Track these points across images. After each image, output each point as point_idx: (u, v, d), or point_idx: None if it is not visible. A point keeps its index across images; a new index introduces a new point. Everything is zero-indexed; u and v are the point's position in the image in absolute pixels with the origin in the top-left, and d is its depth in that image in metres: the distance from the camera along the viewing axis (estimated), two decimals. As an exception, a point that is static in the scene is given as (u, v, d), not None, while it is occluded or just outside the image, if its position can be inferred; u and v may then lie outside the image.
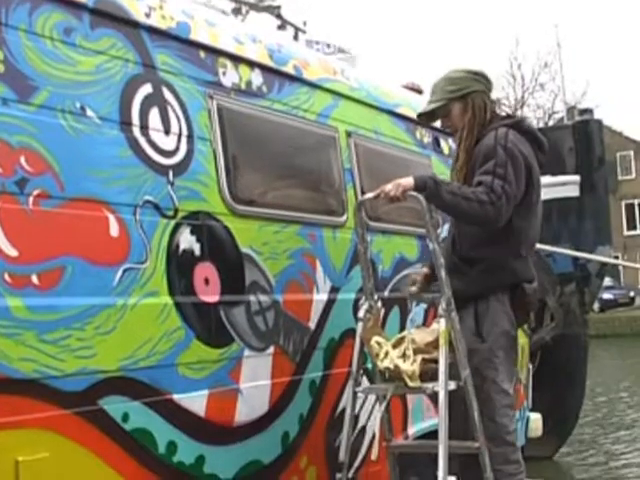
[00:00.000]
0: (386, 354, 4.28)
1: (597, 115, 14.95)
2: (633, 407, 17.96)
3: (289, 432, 4.67)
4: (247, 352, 4.39)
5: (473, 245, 4.71)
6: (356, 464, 5.15)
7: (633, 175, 61.75)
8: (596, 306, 41.96)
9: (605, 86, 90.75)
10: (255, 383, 4.45)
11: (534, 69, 51.15)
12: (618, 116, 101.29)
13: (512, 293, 4.66)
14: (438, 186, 4.42)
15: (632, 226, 60.18)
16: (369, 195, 4.71)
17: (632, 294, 47.85)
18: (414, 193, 4.41)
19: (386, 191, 4.49)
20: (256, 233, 4.55)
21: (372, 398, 5.10)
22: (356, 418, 5.09)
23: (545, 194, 14.53)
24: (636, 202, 59.01)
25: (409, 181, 4.46)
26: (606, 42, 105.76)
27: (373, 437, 5.22)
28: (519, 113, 48.26)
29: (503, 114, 5.02)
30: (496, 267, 4.62)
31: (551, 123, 47.08)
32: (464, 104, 4.77)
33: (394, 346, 4.33)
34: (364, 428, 5.22)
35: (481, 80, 4.83)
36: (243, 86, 4.68)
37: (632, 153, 62.36)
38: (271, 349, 4.55)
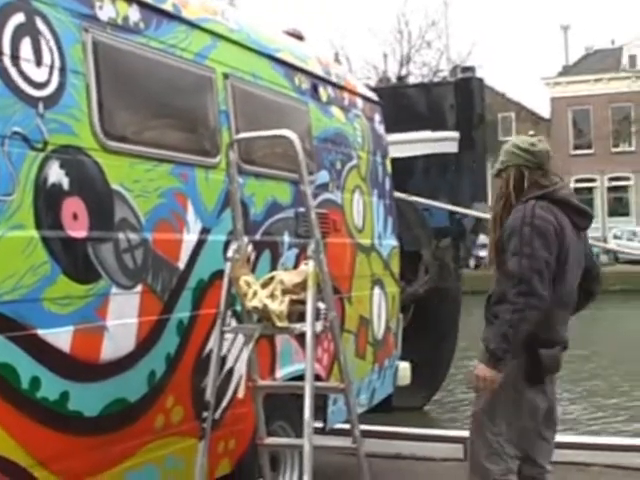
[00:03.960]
0: (254, 294, 4.30)
1: (481, 75, 15.07)
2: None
3: (156, 371, 4.65)
4: (114, 289, 4.35)
5: None
6: (223, 405, 5.18)
7: (513, 136, 62.62)
8: (472, 263, 42.77)
9: (490, 48, 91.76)
10: (122, 321, 4.41)
11: (421, 26, 51.36)
12: (501, 78, 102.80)
13: None
14: (495, 351, 4.67)
15: (510, 186, 61.18)
16: (243, 135, 4.70)
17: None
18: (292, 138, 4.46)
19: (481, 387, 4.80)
20: (127, 170, 4.50)
21: (241, 341, 5.11)
22: (224, 359, 5.12)
23: (424, 149, 14.73)
24: (515, 162, 59.99)
25: (489, 372, 4.70)
26: (493, 5, 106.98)
27: (241, 378, 5.26)
28: (405, 69, 48.56)
29: (542, 184, 5.05)
30: None
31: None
32: (510, 175, 5.03)
33: (263, 286, 4.35)
34: (232, 369, 5.24)
35: (521, 154, 5.03)
36: (120, 21, 4.59)
37: (513, 115, 63.34)
38: (139, 287, 4.51)
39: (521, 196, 4.97)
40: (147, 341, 4.58)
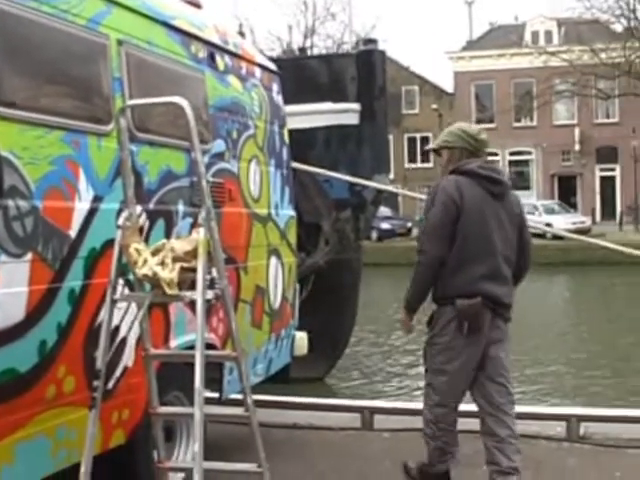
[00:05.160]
0: (145, 261, 4.27)
1: (384, 49, 15.11)
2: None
3: (46, 341, 4.60)
4: (3, 257, 4.27)
5: None
6: (117, 374, 5.15)
7: (417, 110, 63.23)
8: (374, 235, 43.12)
9: (395, 22, 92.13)
10: (11, 290, 4.34)
11: (326, -2, 51.42)
12: (406, 52, 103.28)
13: None
14: (406, 300, 5.84)
15: (413, 159, 61.79)
16: (133, 102, 4.66)
17: (409, 225, 49.18)
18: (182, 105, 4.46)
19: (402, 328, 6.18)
20: (17, 137, 4.42)
21: (134, 310, 5.08)
22: (117, 329, 5.09)
23: (325, 120, 14.73)
24: (418, 136, 60.46)
25: (405, 317, 5.91)
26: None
27: (133, 348, 5.24)
28: (309, 41, 48.49)
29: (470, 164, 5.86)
30: None
31: (339, 54, 47.46)
32: (449, 154, 5.91)
33: (153, 254, 4.33)
34: (125, 339, 5.21)
35: (466, 139, 5.88)
36: (9, -15, 4.51)
37: (417, 88, 63.78)
38: (29, 256, 4.44)
39: (445, 173, 5.88)
40: (37, 310, 4.52)
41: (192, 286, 4.30)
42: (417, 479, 6.15)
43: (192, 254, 4.28)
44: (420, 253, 5.67)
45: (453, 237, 5.61)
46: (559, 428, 7.73)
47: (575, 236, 18.80)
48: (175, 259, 4.26)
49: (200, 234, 4.27)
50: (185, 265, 4.26)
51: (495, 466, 5.69)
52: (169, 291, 4.23)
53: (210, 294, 4.31)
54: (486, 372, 5.72)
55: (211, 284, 4.53)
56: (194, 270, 4.25)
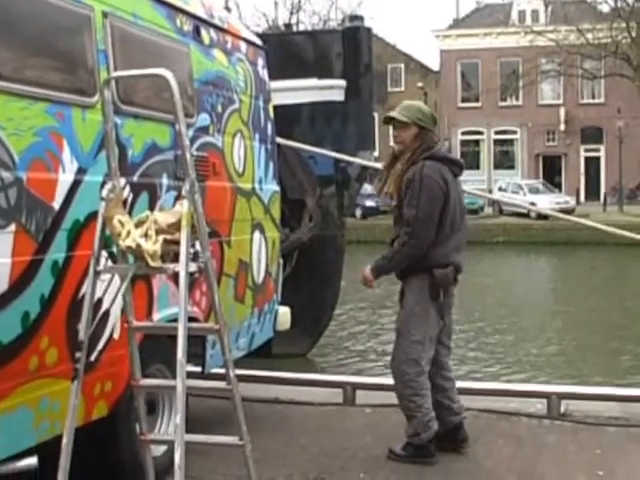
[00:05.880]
0: (128, 233, 4.27)
1: (370, 26, 15.07)
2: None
3: (29, 312, 4.60)
4: (-14, 229, 4.28)
5: None
6: (99, 347, 5.16)
7: (402, 88, 63.18)
8: (358, 213, 43.11)
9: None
10: (-6, 260, 4.35)
11: (313, -27, 51.20)
12: (392, 30, 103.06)
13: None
14: (380, 266, 6.44)
15: (398, 137, 61.60)
16: (118, 73, 4.64)
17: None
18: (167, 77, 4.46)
19: (363, 284, 6.57)
20: (1, 108, 4.41)
21: (118, 283, 5.08)
22: (100, 301, 5.09)
23: (310, 96, 14.69)
24: (403, 114, 60.32)
25: (369, 274, 6.47)
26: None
27: (117, 320, 5.25)
28: (295, 18, 48.33)
29: (430, 145, 6.45)
30: None
31: (325, 31, 47.31)
32: (418, 132, 6.39)
33: (136, 226, 4.32)
34: (108, 311, 5.22)
35: (425, 119, 6.44)
36: (-6, -43, 4.49)
37: (403, 66, 63.74)
38: (12, 227, 4.44)
39: (416, 155, 6.33)
40: (20, 282, 4.52)
41: (175, 258, 4.30)
42: (409, 455, 6.41)
43: (175, 226, 4.28)
44: (412, 237, 6.23)
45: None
46: (540, 405, 7.78)
47: (562, 215, 18.90)
48: (158, 231, 4.26)
49: (184, 206, 4.27)
50: (168, 237, 4.26)
51: (448, 411, 6.55)
52: (152, 263, 4.24)
53: (193, 266, 4.31)
54: (438, 335, 6.46)
55: (194, 257, 4.53)
56: (177, 242, 4.25)
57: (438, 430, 6.41)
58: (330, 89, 13.74)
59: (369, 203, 45.63)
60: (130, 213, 5.05)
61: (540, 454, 6.67)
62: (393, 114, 6.53)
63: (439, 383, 6.55)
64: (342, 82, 13.80)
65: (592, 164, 58.92)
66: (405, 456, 6.41)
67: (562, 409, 7.67)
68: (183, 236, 4.21)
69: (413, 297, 6.37)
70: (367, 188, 30.17)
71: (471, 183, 36.34)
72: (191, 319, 5.21)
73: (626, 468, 6.34)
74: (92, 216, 4.88)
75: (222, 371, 4.87)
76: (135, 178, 5.48)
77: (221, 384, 4.76)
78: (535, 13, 60.06)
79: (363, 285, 6.62)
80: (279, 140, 8.59)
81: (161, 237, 4.24)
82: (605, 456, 6.60)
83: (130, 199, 5.36)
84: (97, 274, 4.53)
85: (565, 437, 7.10)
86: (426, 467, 6.29)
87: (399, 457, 6.44)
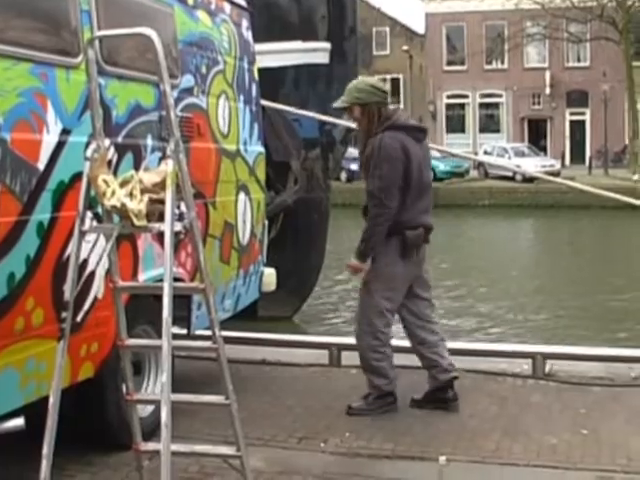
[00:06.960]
0: (113, 193, 4.26)
1: (357, -11, 15.03)
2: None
3: (15, 273, 4.60)
4: (-30, 189, 4.28)
5: None
6: (85, 307, 5.17)
7: (387, 51, 62.98)
8: (343, 176, 42.99)
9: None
10: (-21, 222, 4.35)
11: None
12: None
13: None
14: (362, 251, 6.57)
15: (383, 100, 61.42)
16: (102, 33, 4.62)
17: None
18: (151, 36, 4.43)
19: (353, 274, 6.84)
20: (-17, 69, 4.40)
21: (103, 244, 5.07)
22: (86, 262, 5.10)
23: (294, 59, 14.62)
24: (388, 77, 60.11)
25: (355, 263, 6.64)
26: None
27: (102, 281, 5.25)
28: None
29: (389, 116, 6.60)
30: None
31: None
32: (362, 110, 6.55)
33: (121, 185, 4.31)
34: (94, 272, 5.22)
35: (378, 93, 6.57)
36: None
37: (388, 29, 63.46)
38: (-4, 188, 4.44)
39: (372, 131, 6.51)
40: (5, 242, 4.52)
41: (160, 218, 4.28)
42: (368, 407, 6.66)
43: (160, 186, 4.26)
44: (379, 207, 6.47)
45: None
46: (525, 365, 7.82)
47: (550, 177, 18.91)
48: (143, 190, 4.25)
49: (168, 165, 4.26)
50: (154, 197, 4.25)
51: (436, 368, 6.71)
52: (137, 222, 4.23)
53: (178, 226, 4.31)
54: (414, 290, 6.73)
55: (180, 218, 4.52)
56: (162, 202, 4.23)
57: (427, 388, 6.69)
58: (315, 52, 13.71)
59: (354, 166, 45.39)
60: (115, 174, 5.03)
61: (525, 413, 6.72)
62: (335, 104, 6.85)
63: (425, 337, 6.76)
64: (327, 45, 13.77)
65: (577, 128, 58.90)
66: (365, 408, 6.64)
67: (547, 369, 7.71)
68: (168, 195, 4.20)
69: (384, 257, 6.56)
70: (352, 151, 30.06)
71: (457, 146, 36.35)
72: (176, 280, 5.22)
73: (610, 427, 6.38)
74: (77, 177, 4.86)
75: (208, 333, 4.88)
76: (120, 139, 5.47)
77: (207, 343, 4.76)
78: (520, -25, 59.86)
79: (354, 275, 6.87)
80: (264, 102, 8.57)
81: (146, 196, 4.23)
82: (589, 415, 6.64)
83: (115, 160, 5.35)
84: (82, 234, 4.51)
85: (550, 396, 7.15)
86: (412, 426, 6.34)
87: (360, 410, 6.63)
